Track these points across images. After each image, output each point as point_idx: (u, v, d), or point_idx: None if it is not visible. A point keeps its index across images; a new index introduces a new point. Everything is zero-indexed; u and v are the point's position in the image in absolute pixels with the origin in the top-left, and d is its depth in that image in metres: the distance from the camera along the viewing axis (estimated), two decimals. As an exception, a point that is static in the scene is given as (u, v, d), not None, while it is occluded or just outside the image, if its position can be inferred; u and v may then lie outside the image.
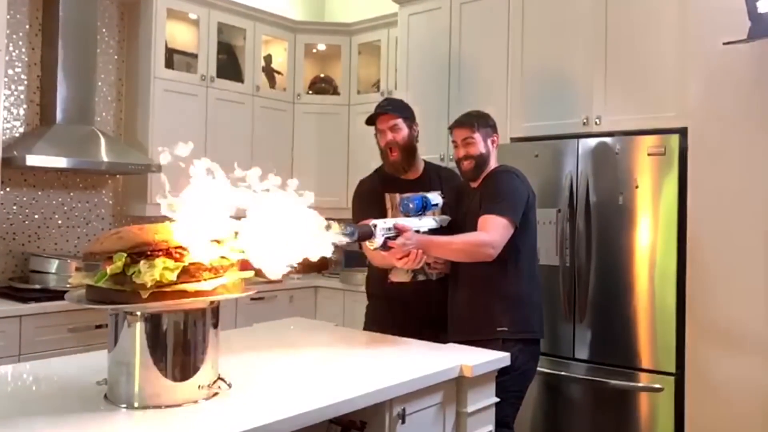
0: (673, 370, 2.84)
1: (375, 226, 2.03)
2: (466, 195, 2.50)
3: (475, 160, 2.43)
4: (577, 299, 3.07)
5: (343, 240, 1.77)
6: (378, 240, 2.04)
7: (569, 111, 3.30)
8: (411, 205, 2.33)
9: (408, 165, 2.61)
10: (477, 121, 2.45)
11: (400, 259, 2.13)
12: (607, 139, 3.07)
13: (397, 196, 2.58)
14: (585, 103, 3.25)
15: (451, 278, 2.50)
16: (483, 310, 2.36)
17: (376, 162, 2.81)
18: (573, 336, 3.09)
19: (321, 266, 4.95)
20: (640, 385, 2.89)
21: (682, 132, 2.89)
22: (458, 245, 2.28)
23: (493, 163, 2.48)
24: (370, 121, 2.61)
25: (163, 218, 1.58)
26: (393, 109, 2.59)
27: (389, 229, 2.08)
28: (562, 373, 3.08)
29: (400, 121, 2.57)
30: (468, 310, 2.40)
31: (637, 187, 2.94)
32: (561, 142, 3.21)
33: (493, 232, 2.26)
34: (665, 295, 2.86)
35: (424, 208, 2.35)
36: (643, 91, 3.08)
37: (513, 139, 3.47)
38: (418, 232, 2.24)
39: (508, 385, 2.23)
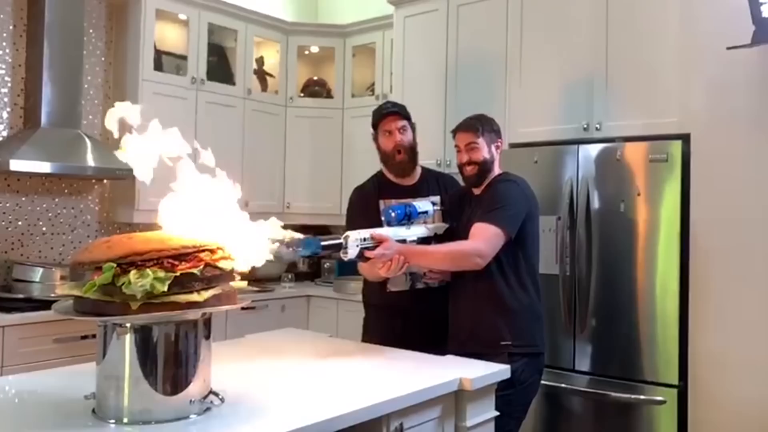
0: (675, 382, 2.84)
1: (347, 237, 2.04)
2: (468, 202, 2.50)
3: (478, 166, 2.42)
4: (578, 309, 3.07)
5: (305, 252, 1.81)
6: (351, 251, 2.04)
7: (569, 116, 3.31)
8: (393, 214, 2.32)
9: (413, 168, 2.64)
10: (482, 125, 2.45)
11: (381, 268, 2.14)
12: (608, 145, 3.08)
13: (393, 202, 2.58)
14: (585, 108, 3.26)
15: (452, 290, 2.49)
16: (486, 323, 2.35)
17: (370, 167, 2.81)
18: (573, 347, 3.09)
19: (313, 274, 4.94)
20: (642, 397, 2.89)
21: (685, 138, 2.91)
22: (443, 254, 2.28)
23: (496, 169, 2.48)
24: (373, 121, 2.62)
25: (153, 225, 1.59)
26: (400, 110, 2.62)
27: (365, 239, 2.08)
28: (563, 385, 3.08)
29: (406, 123, 2.60)
30: (471, 324, 2.40)
31: (638, 194, 2.95)
32: (561, 147, 3.22)
33: (480, 241, 2.26)
34: (667, 305, 2.87)
35: (408, 216, 2.34)
36: (644, 96, 3.09)
37: (512, 145, 3.47)
38: (404, 241, 2.24)
39: (514, 399, 2.23)
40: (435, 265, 2.37)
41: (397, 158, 2.59)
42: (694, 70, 2.91)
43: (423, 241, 2.35)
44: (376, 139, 2.65)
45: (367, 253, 2.08)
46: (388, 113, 2.60)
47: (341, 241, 2.04)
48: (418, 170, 2.69)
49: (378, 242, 2.10)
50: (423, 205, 2.42)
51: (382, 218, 2.39)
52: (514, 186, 2.40)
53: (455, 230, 2.48)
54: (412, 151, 2.61)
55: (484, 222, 2.28)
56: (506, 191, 2.38)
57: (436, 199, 2.57)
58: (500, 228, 2.27)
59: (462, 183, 2.59)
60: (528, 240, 2.39)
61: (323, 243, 1.97)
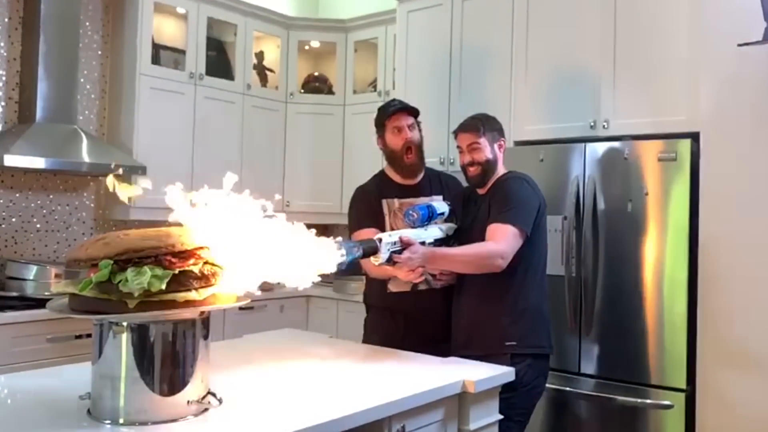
0: (683, 386, 2.84)
1: (380, 240, 2.03)
2: (473, 202, 2.50)
3: (481, 166, 2.42)
4: (584, 311, 3.07)
5: (348, 258, 1.80)
6: (383, 255, 2.04)
7: (576, 113, 3.30)
8: (415, 215, 2.31)
9: (421, 168, 2.64)
10: (483, 125, 2.44)
11: (402, 273, 2.13)
12: (616, 144, 3.07)
13: (395, 201, 2.59)
14: (593, 105, 3.25)
15: (456, 289, 2.49)
16: (490, 323, 2.35)
17: (372, 165, 2.81)
18: (579, 350, 3.08)
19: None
20: (649, 401, 2.89)
21: (694, 137, 2.90)
22: (466, 257, 2.27)
23: (500, 169, 2.48)
24: (381, 118, 2.62)
25: (148, 223, 1.59)
26: (409, 108, 2.63)
27: (395, 243, 2.08)
28: (568, 388, 3.07)
29: (414, 121, 2.61)
30: (474, 324, 2.39)
31: (646, 193, 2.94)
32: (567, 146, 3.21)
33: (501, 242, 2.25)
34: (676, 308, 2.86)
35: (429, 218, 2.34)
36: (653, 93, 3.09)
37: (517, 143, 3.47)
38: (423, 243, 2.23)
39: (516, 401, 2.22)
40: (457, 268, 2.36)
41: (407, 159, 2.58)
42: (703, 68, 2.91)
43: (437, 242, 2.35)
44: (382, 136, 2.64)
45: (396, 257, 2.07)
46: (397, 110, 2.60)
47: (376, 243, 2.02)
48: (423, 169, 2.69)
49: (405, 245, 2.10)
50: (441, 206, 2.42)
51: (404, 220, 2.39)
52: (524, 184, 2.40)
53: (460, 230, 2.48)
54: (420, 149, 2.61)
55: (501, 222, 2.28)
56: (518, 190, 2.37)
57: (440, 197, 2.57)
58: (518, 228, 2.27)
59: (463, 182, 2.59)
60: (536, 238, 2.39)
61: (364, 247, 1.96)
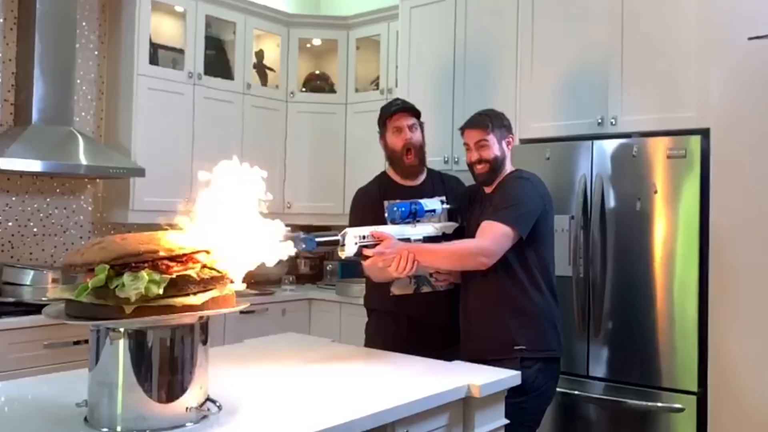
0: (695, 389, 2.83)
1: (345, 234, 2.04)
2: (480, 200, 2.50)
3: (489, 164, 2.41)
4: (592, 313, 3.07)
5: (301, 247, 1.80)
6: (349, 248, 2.05)
7: (583, 110, 3.30)
8: (397, 212, 2.32)
9: (422, 170, 2.64)
10: (491, 121, 2.44)
11: (391, 266, 2.12)
12: (624, 141, 3.07)
13: (398, 202, 2.58)
14: (600, 101, 3.25)
15: (463, 293, 2.49)
16: (499, 327, 2.35)
17: (374, 165, 2.81)
18: (587, 352, 3.08)
19: (315, 277, 4.95)
20: (660, 405, 2.88)
21: (704, 133, 2.89)
22: (447, 253, 2.28)
23: (508, 166, 2.47)
24: (382, 118, 2.62)
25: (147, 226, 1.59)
26: (411, 108, 2.63)
27: (364, 237, 2.08)
28: (576, 392, 3.07)
29: (416, 122, 2.62)
30: (482, 327, 2.39)
31: (655, 191, 2.94)
32: (574, 143, 3.21)
33: (488, 239, 2.25)
34: (686, 309, 2.86)
35: (413, 215, 2.33)
36: (662, 89, 3.08)
37: (523, 140, 3.47)
38: (409, 240, 2.23)
39: (527, 406, 2.22)
40: (439, 263, 2.36)
41: (406, 160, 2.59)
42: (713, 62, 2.90)
43: (430, 240, 2.35)
44: (383, 136, 2.65)
45: (366, 251, 2.07)
46: (399, 110, 2.60)
47: (338, 237, 2.04)
48: (424, 171, 2.69)
49: (378, 240, 2.10)
50: (431, 203, 2.41)
51: (386, 215, 2.39)
52: (527, 183, 2.40)
53: (465, 229, 2.47)
54: (421, 151, 2.62)
55: (493, 220, 2.27)
56: (519, 189, 2.37)
57: (443, 198, 2.57)
58: (510, 227, 2.26)
59: (468, 182, 2.59)
60: (542, 240, 2.38)
61: (318, 239, 1.97)
